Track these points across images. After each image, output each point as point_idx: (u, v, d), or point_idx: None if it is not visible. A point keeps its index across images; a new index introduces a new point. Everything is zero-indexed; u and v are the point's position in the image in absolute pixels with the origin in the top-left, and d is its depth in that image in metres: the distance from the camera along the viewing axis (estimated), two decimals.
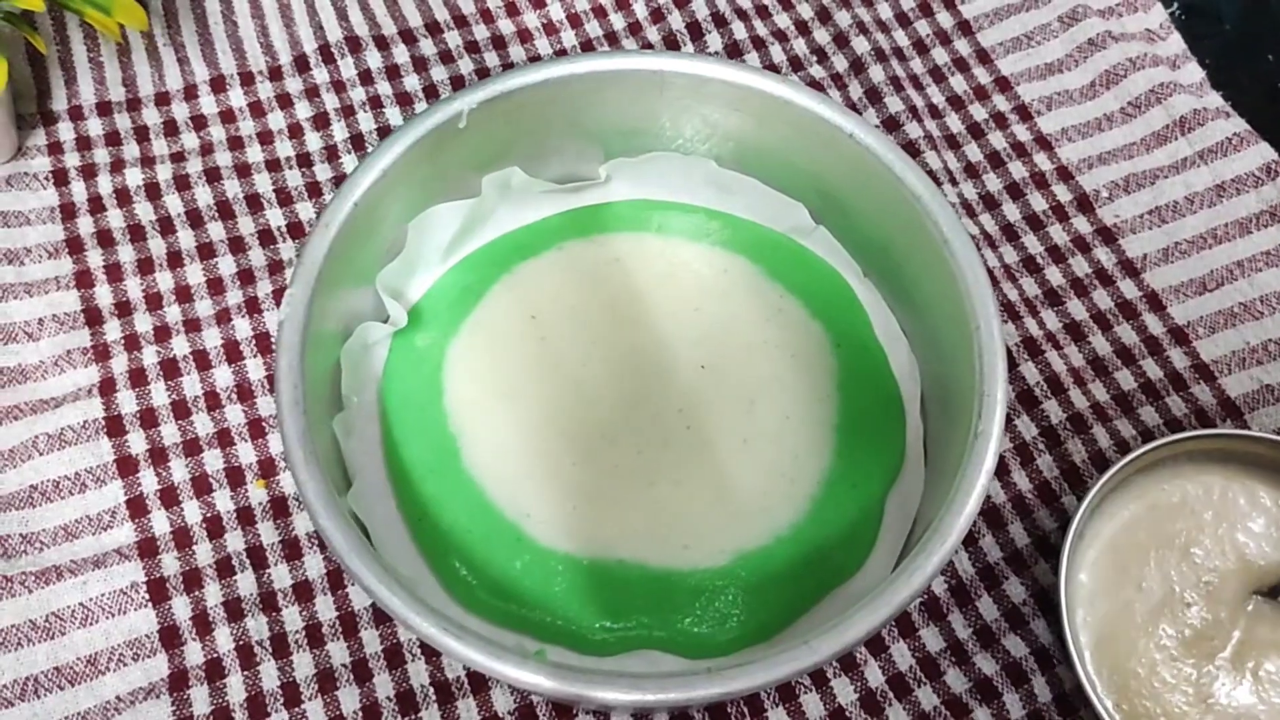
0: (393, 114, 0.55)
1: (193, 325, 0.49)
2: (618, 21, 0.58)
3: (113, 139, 0.53)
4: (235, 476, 0.46)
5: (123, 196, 0.52)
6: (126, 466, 0.46)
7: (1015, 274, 0.51)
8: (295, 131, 0.54)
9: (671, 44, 0.57)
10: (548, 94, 0.47)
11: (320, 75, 0.55)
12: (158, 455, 0.47)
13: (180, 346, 0.49)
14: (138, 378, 0.48)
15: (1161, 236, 0.52)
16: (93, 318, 0.49)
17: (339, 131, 0.54)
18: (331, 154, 0.54)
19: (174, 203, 0.52)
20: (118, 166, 0.53)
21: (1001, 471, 0.47)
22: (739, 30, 0.57)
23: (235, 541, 0.45)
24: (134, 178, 0.52)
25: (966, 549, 0.46)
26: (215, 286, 0.50)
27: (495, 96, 0.46)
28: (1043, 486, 0.47)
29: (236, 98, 0.55)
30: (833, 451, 0.47)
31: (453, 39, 0.57)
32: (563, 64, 0.47)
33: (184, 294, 0.50)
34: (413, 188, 0.47)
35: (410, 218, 0.48)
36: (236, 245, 0.51)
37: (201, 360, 0.49)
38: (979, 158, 0.54)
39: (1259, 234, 0.51)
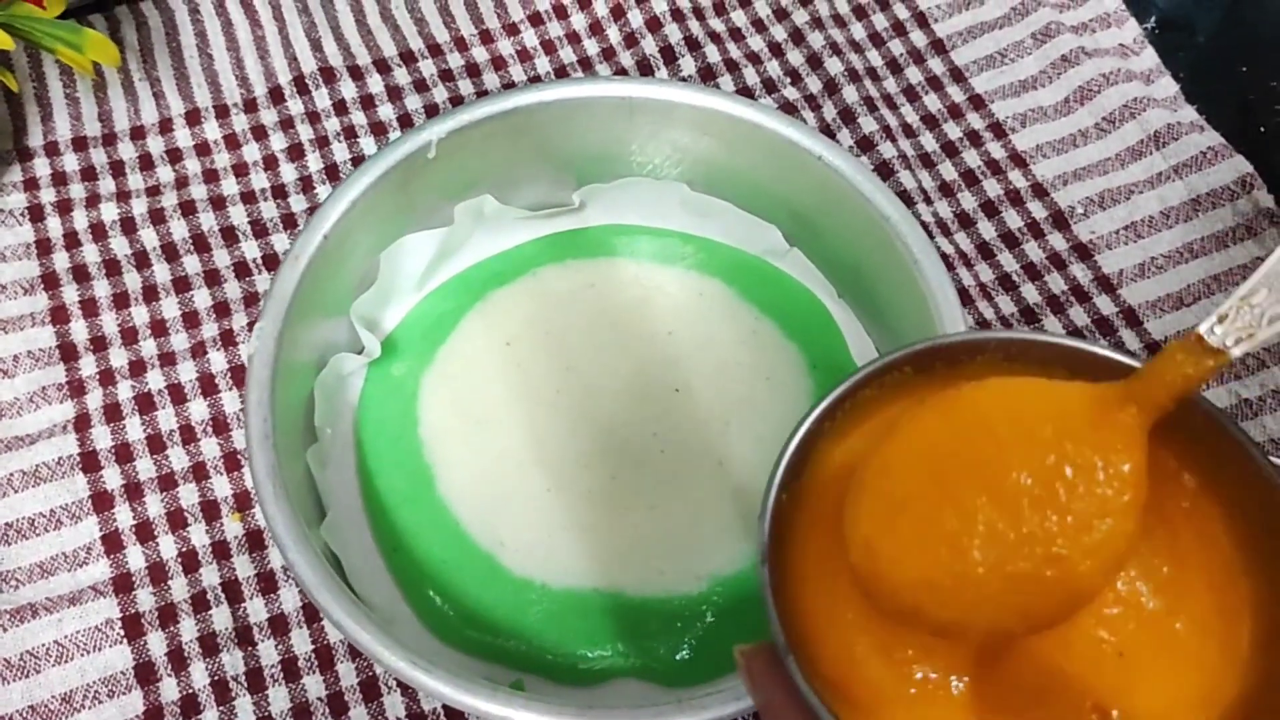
0: (367, 144, 0.55)
1: (168, 359, 0.49)
2: (591, 47, 0.58)
3: (88, 174, 0.54)
4: (211, 510, 0.46)
5: (98, 231, 0.52)
6: (102, 502, 0.46)
7: (991, 292, 0.51)
8: (270, 163, 0.54)
9: (645, 69, 0.57)
10: (517, 122, 0.47)
11: (295, 106, 0.56)
12: (133, 490, 0.47)
13: (155, 381, 0.49)
14: (113, 413, 0.48)
15: (1138, 252, 0.52)
16: (68, 353, 0.49)
17: (314, 162, 0.54)
18: (306, 185, 0.54)
19: (149, 237, 0.52)
20: (93, 201, 0.53)
21: None
22: (712, 54, 0.57)
23: (211, 576, 0.45)
24: (109, 212, 0.53)
25: None
26: (191, 320, 0.50)
27: (464, 126, 0.46)
28: None
29: (212, 130, 0.55)
30: None
31: (427, 68, 0.57)
32: (530, 92, 0.47)
33: (159, 328, 0.50)
34: (384, 218, 0.47)
35: (383, 248, 0.48)
36: (212, 278, 0.51)
37: (177, 394, 0.49)
38: (953, 176, 0.54)
39: (1235, 248, 0.51)
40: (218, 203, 0.53)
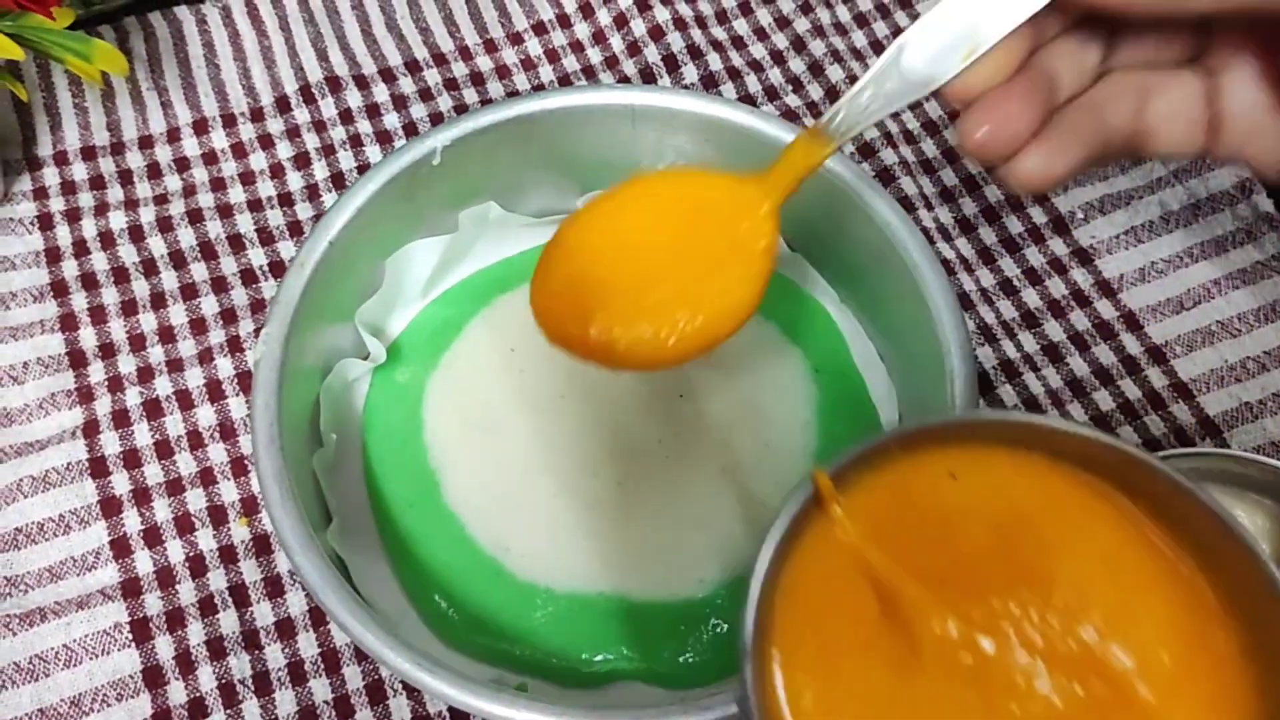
0: (373, 152, 0.55)
1: (175, 365, 0.50)
2: (594, 56, 0.58)
3: (97, 183, 0.54)
4: (218, 515, 0.47)
5: (107, 239, 0.53)
6: (110, 507, 0.47)
7: (992, 297, 0.52)
8: (277, 171, 0.55)
9: (648, 77, 0.57)
10: (520, 130, 0.48)
11: (301, 115, 0.56)
12: (141, 495, 0.47)
13: (163, 387, 0.49)
14: (121, 419, 0.48)
15: (1138, 256, 0.52)
16: (77, 360, 0.50)
17: (320, 170, 0.55)
18: (313, 193, 0.54)
19: (157, 244, 0.53)
20: (102, 210, 0.53)
21: None
22: (714, 61, 0.58)
23: (218, 580, 0.46)
24: (118, 220, 0.53)
25: None
26: (198, 326, 0.51)
27: (468, 133, 0.47)
28: None
29: (219, 139, 0.56)
30: None
31: (432, 76, 0.57)
32: (533, 100, 0.47)
33: (167, 334, 0.50)
34: (389, 225, 0.47)
35: (388, 254, 0.48)
36: (219, 285, 0.52)
37: (184, 400, 0.49)
38: (954, 182, 0.54)
39: (1235, 252, 0.51)
40: (225, 210, 0.54)
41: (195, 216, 0.53)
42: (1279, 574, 0.28)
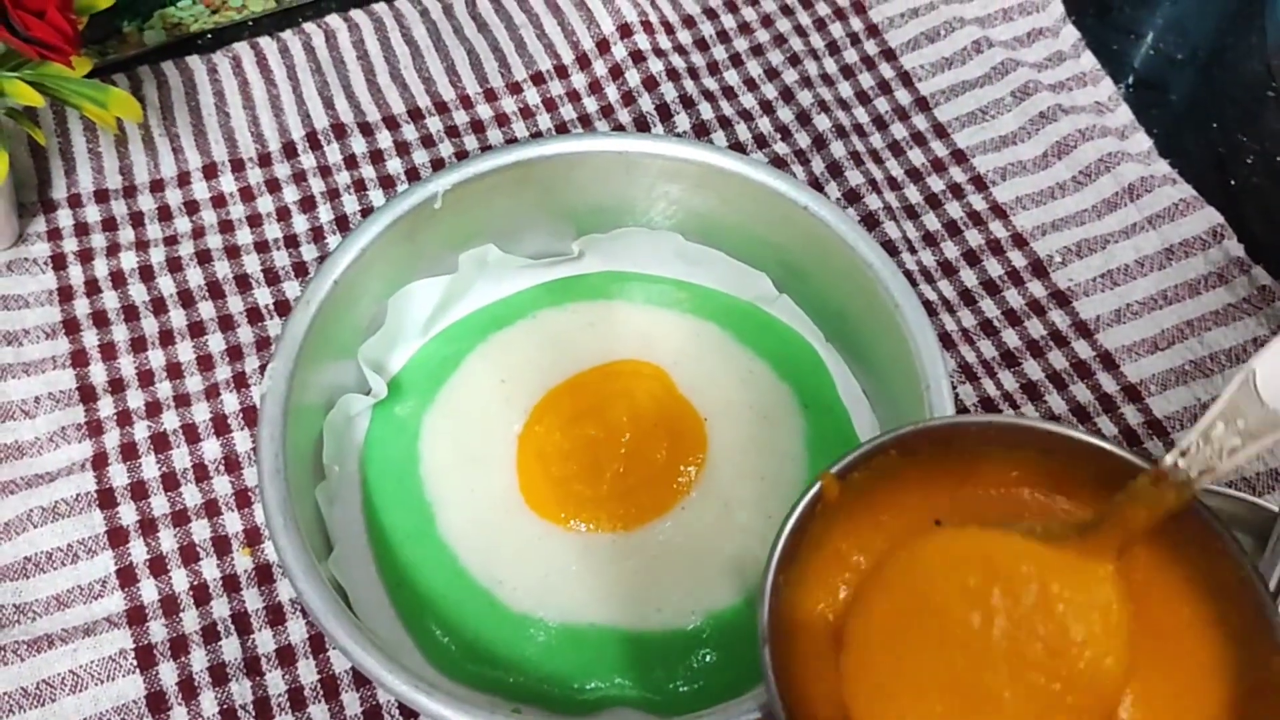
0: (376, 196, 0.57)
1: (183, 400, 0.51)
2: (590, 105, 0.61)
3: (109, 225, 0.56)
4: (222, 545, 0.48)
5: (118, 279, 0.54)
6: (117, 537, 0.48)
7: (973, 337, 0.53)
8: (283, 214, 0.57)
9: (642, 125, 0.60)
10: (519, 175, 0.49)
11: (307, 161, 0.58)
12: (147, 526, 0.48)
13: (170, 421, 0.51)
14: (129, 452, 0.50)
15: (1113, 299, 0.54)
16: (87, 395, 0.51)
17: (325, 214, 0.57)
18: (317, 235, 0.56)
19: (166, 284, 0.54)
20: (113, 251, 0.55)
21: None
22: (706, 111, 0.60)
23: (221, 608, 0.47)
24: (129, 261, 0.55)
25: None
26: (205, 363, 0.52)
27: (468, 178, 0.49)
28: None
29: (228, 183, 0.58)
30: None
31: (434, 124, 0.60)
32: (532, 146, 0.49)
33: (175, 371, 0.52)
34: (391, 266, 0.49)
35: (390, 294, 0.50)
36: (226, 323, 0.53)
37: (191, 434, 0.51)
38: (937, 226, 0.56)
39: (1207, 295, 0.53)
40: (232, 252, 0.55)
41: (204, 257, 0.55)
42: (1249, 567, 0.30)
